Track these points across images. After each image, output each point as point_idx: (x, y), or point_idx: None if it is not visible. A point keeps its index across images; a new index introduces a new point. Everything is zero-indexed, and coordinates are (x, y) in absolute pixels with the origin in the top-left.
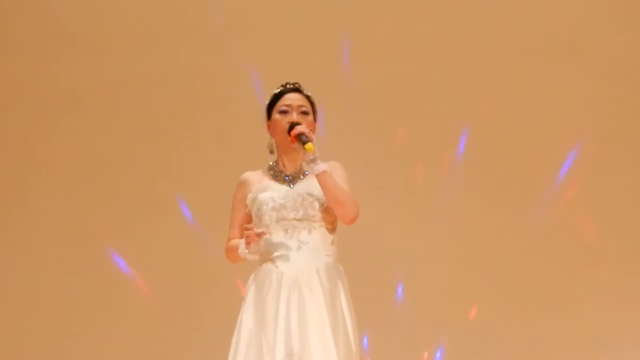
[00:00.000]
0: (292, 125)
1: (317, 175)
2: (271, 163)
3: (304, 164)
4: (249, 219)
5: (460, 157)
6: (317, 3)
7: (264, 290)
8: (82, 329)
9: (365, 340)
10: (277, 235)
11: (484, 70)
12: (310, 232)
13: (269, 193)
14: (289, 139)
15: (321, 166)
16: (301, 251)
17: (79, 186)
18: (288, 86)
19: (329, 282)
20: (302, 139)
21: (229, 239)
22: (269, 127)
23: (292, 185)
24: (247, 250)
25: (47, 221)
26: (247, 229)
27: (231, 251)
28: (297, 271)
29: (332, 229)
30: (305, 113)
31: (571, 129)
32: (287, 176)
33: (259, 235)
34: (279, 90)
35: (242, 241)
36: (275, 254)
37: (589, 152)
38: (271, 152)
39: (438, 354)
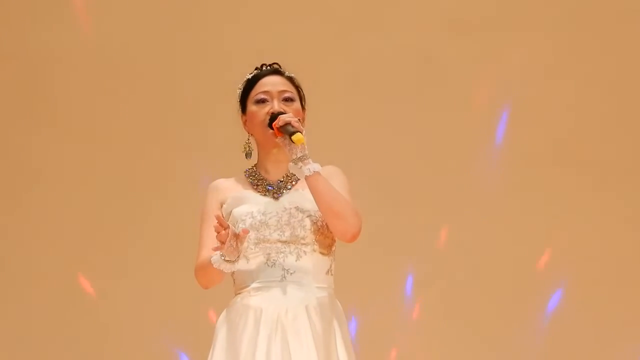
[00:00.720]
0: (274, 117)
1: (307, 178)
2: (249, 168)
3: (290, 164)
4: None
5: None
6: None
7: (237, 331)
8: None
9: None
10: (256, 262)
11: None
12: (298, 258)
13: (246, 207)
14: (271, 133)
15: (313, 166)
16: (286, 283)
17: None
18: (264, 68)
19: (322, 324)
20: (287, 130)
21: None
22: (244, 122)
23: (276, 197)
24: (222, 257)
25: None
26: (217, 219)
27: (202, 269)
28: (280, 309)
29: (327, 254)
30: (289, 100)
31: None
32: (270, 185)
33: (239, 236)
34: (252, 74)
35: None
36: (253, 285)
37: None
38: (248, 154)
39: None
